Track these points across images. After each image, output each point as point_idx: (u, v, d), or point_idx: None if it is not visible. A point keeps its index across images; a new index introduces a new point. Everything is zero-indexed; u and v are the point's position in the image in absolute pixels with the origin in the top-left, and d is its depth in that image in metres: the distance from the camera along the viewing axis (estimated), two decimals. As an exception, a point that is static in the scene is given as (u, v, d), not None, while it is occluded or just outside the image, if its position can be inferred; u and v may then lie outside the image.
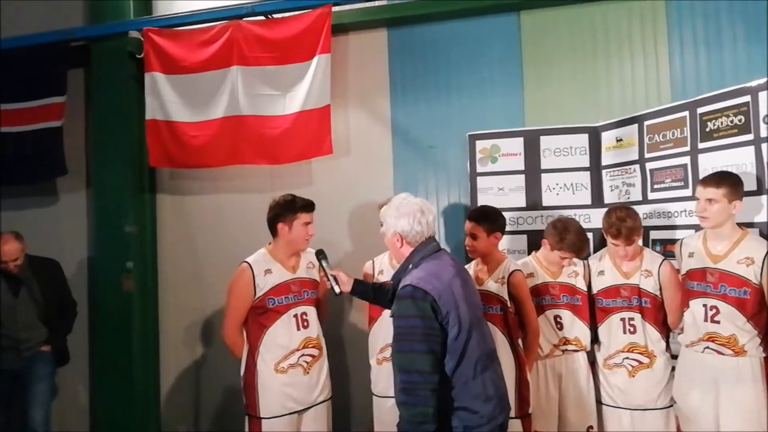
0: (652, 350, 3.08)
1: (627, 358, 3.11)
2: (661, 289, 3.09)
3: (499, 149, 3.98)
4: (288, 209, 3.04)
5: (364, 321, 3.60)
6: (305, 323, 3.08)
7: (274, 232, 3.09)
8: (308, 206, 3.08)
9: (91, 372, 4.72)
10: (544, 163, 3.90)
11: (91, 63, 4.70)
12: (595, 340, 3.29)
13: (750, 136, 2.96)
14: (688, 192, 3.29)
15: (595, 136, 3.84)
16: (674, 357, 3.11)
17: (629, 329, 3.12)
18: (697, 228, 3.17)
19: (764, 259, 2.71)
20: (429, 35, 4.33)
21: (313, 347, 3.10)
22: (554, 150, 3.89)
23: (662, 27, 3.90)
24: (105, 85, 4.65)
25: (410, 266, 2.32)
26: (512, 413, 2.64)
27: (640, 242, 3.18)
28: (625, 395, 3.12)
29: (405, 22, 4.34)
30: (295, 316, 3.05)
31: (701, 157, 3.23)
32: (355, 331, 4.25)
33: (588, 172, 3.85)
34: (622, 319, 3.14)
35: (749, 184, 2.89)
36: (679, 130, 3.36)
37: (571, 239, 3.15)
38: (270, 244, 3.15)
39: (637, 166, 3.59)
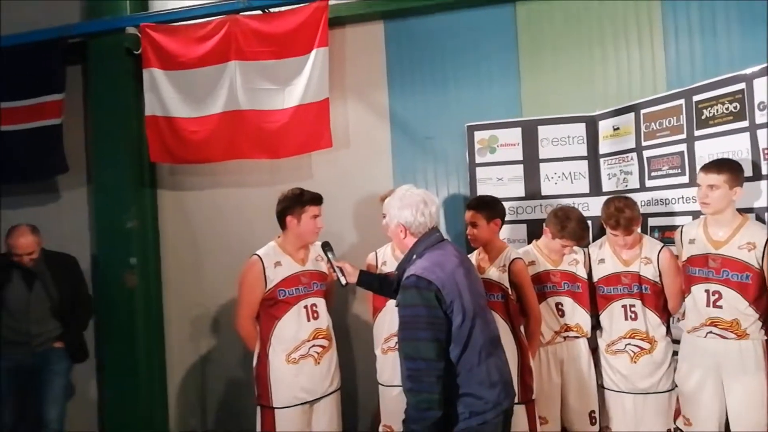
0: (652, 336, 3.13)
1: (629, 344, 3.16)
2: (660, 276, 3.13)
3: (498, 139, 4.01)
4: (297, 202, 3.08)
5: (369, 312, 3.63)
6: (315, 314, 3.13)
7: (283, 225, 3.13)
8: (317, 199, 3.13)
9: (98, 369, 4.73)
10: (543, 153, 3.93)
11: (89, 60, 4.69)
12: (596, 326, 3.34)
13: (745, 123, 3.00)
14: (685, 179, 3.33)
15: (592, 125, 3.87)
16: (676, 342, 3.15)
17: (630, 316, 3.17)
18: (694, 215, 3.22)
19: (765, 244, 2.75)
20: (425, 27, 4.34)
21: (323, 338, 3.15)
22: (552, 139, 3.92)
23: (657, 15, 3.92)
24: (103, 82, 4.64)
25: (414, 257, 2.35)
26: (516, 399, 2.70)
27: (638, 230, 3.22)
28: (627, 380, 3.17)
29: (401, 14, 4.34)
30: (305, 307, 3.10)
31: (697, 144, 3.26)
32: (359, 322, 4.28)
33: (586, 161, 3.88)
34: (624, 306, 3.18)
35: (745, 171, 2.91)
36: (675, 118, 3.39)
37: (573, 227, 3.20)
38: (279, 237, 3.18)
39: (634, 154, 3.63)
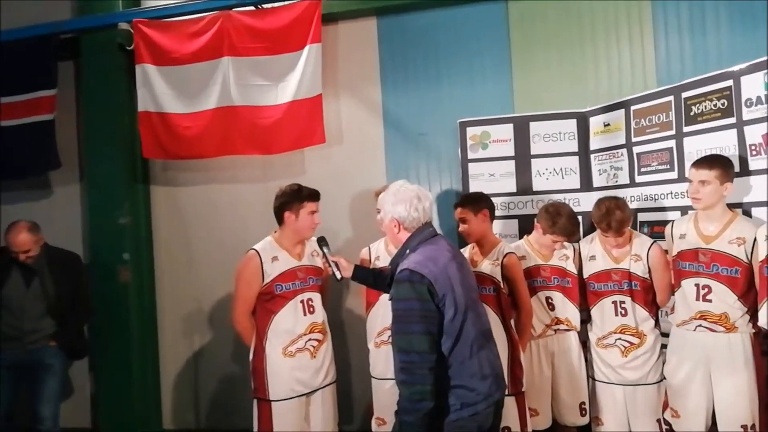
0: (641, 330, 3.17)
1: (619, 339, 3.20)
2: (650, 272, 3.17)
3: (490, 135, 4.04)
4: (295, 198, 3.10)
5: (362, 306, 3.66)
6: (311, 309, 3.16)
7: (280, 220, 3.15)
8: (314, 195, 3.15)
9: (92, 365, 4.73)
10: (534, 149, 3.96)
11: (82, 55, 4.68)
12: (586, 320, 3.38)
13: (733, 120, 3.04)
14: (674, 175, 3.37)
15: (583, 121, 3.91)
16: (665, 335, 3.19)
17: (621, 312, 3.21)
18: (683, 210, 3.26)
19: (754, 239, 2.79)
20: (418, 24, 4.36)
21: (318, 332, 3.18)
22: (543, 135, 3.95)
23: (647, 14, 3.96)
24: (96, 78, 4.64)
25: (407, 251, 2.37)
26: (506, 391, 2.73)
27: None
28: (618, 373, 3.21)
29: (394, 11, 4.37)
30: (302, 301, 3.13)
31: (686, 140, 3.30)
32: (352, 317, 4.31)
33: (577, 157, 3.92)
34: (614, 302, 3.22)
35: (733, 166, 2.96)
36: (664, 114, 3.43)
37: (563, 223, 3.24)
38: (276, 232, 3.20)
39: (624, 150, 3.67)
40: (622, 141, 3.67)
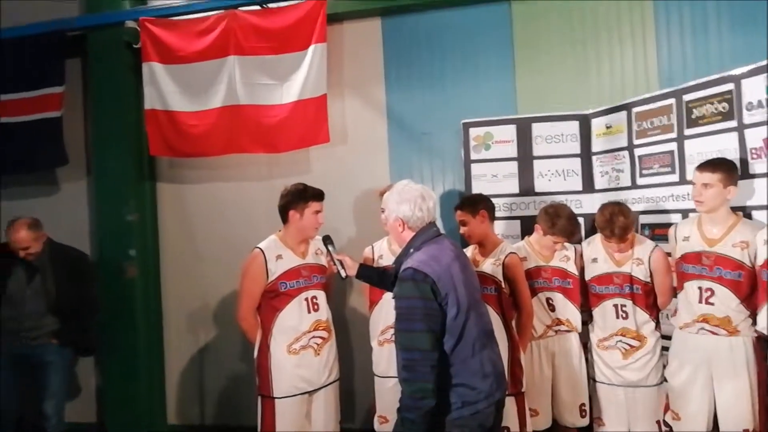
0: (642, 333, 3.18)
1: (620, 341, 3.22)
2: (651, 275, 3.17)
3: (492, 136, 4.06)
4: (300, 197, 3.13)
5: (365, 305, 3.69)
6: (315, 306, 3.18)
7: (285, 219, 3.18)
8: (319, 195, 3.18)
9: (97, 361, 4.77)
10: (536, 150, 3.98)
11: (89, 53, 4.72)
12: (587, 321, 3.40)
13: (734, 123, 3.05)
14: (675, 177, 3.39)
15: (585, 123, 3.93)
16: (666, 338, 3.20)
17: (622, 315, 3.21)
18: (684, 213, 3.28)
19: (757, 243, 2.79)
20: (422, 24, 4.40)
21: (323, 330, 3.20)
22: (546, 137, 3.97)
23: (650, 16, 3.99)
24: (103, 75, 4.68)
25: (411, 250, 2.39)
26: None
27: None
28: (618, 374, 3.23)
29: (399, 12, 4.40)
30: (306, 299, 3.15)
31: (687, 143, 3.32)
32: (355, 315, 4.35)
33: (579, 159, 3.95)
34: (615, 305, 3.23)
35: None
36: (666, 117, 3.45)
37: (563, 224, 3.26)
38: (280, 231, 3.23)
39: (626, 153, 3.69)
40: (624, 143, 3.69)
